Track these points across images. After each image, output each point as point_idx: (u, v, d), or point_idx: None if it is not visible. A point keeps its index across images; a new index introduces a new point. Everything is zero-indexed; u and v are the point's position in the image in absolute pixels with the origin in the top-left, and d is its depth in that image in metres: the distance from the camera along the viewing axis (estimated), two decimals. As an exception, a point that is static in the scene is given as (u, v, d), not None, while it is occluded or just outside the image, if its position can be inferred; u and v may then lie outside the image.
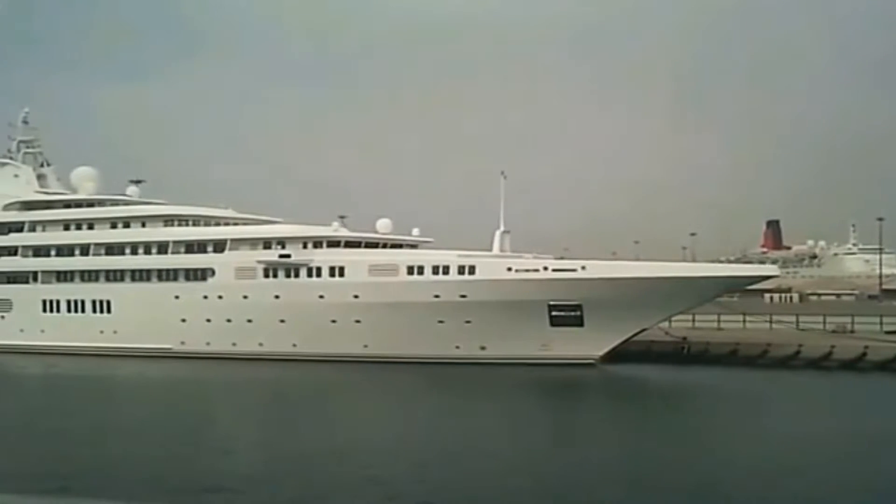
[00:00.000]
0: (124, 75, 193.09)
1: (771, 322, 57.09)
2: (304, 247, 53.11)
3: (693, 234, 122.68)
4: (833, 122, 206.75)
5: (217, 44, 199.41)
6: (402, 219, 58.77)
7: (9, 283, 61.38)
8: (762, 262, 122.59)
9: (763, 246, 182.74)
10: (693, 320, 55.21)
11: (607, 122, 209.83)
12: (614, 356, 47.74)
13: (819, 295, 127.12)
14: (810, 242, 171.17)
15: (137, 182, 65.32)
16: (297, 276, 52.47)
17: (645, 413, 35.64)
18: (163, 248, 56.84)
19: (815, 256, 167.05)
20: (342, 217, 58.09)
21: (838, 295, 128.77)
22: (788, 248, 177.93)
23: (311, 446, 27.62)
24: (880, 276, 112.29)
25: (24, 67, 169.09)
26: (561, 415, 36.23)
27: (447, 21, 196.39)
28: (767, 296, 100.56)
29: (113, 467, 24.03)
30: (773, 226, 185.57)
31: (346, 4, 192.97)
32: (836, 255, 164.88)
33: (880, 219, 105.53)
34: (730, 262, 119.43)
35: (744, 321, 57.32)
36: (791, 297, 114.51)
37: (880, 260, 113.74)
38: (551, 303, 47.91)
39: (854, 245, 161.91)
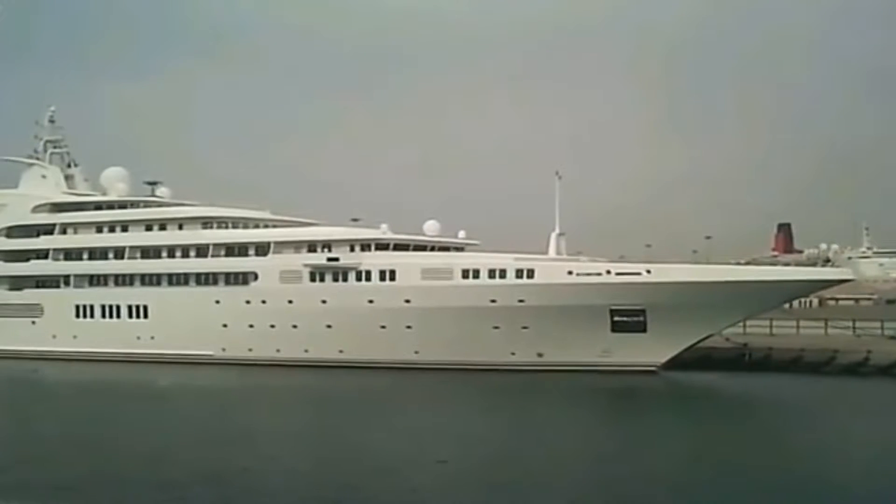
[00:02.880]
0: (133, 74, 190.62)
1: (826, 327, 55.93)
2: (352, 249, 51.44)
3: (708, 238, 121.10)
4: (844, 125, 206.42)
5: (230, 44, 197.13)
6: (441, 221, 56.96)
7: (39, 287, 59.48)
8: (774, 266, 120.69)
9: (774, 249, 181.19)
10: (744, 326, 53.58)
11: (613, 123, 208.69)
12: (674, 363, 46.20)
13: (837, 300, 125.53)
14: (823, 246, 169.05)
15: (153, 183, 63.58)
16: (345, 279, 50.80)
17: (734, 427, 33.16)
18: (202, 251, 55.08)
19: (828, 260, 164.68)
20: (354, 220, 56.63)
21: (857, 300, 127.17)
22: (800, 251, 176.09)
23: (377, 458, 26.55)
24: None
25: (28, 66, 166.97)
26: (638, 428, 33.57)
27: (482, 24, 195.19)
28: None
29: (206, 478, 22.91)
30: (785, 229, 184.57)
31: (383, 6, 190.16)
32: (849, 258, 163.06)
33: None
34: (740, 265, 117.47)
35: (797, 327, 56.16)
36: (810, 302, 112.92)
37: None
38: (613, 307, 46.34)
39: (868, 248, 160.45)
